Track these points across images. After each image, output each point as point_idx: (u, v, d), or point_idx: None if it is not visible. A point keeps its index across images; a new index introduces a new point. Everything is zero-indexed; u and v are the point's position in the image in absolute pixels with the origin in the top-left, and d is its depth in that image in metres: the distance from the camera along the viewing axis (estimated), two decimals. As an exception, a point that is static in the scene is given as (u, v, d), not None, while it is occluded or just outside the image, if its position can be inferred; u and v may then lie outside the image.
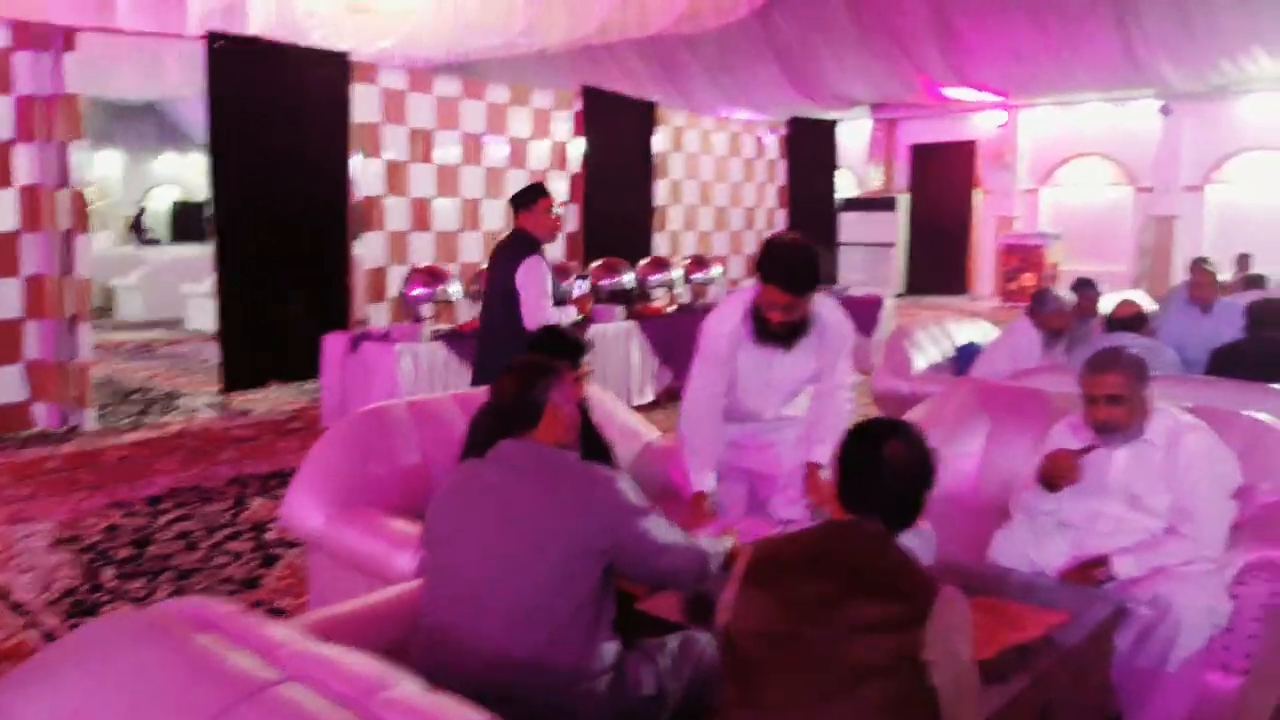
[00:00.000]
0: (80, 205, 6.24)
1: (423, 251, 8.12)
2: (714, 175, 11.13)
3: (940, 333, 5.71)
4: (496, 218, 8.67)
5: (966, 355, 5.45)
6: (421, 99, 8.06)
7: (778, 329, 2.92)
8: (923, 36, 13.63)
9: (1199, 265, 5.66)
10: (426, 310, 6.20)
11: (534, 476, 1.98)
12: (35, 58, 6.03)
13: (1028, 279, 14.39)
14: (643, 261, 8.30)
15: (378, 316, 7.67)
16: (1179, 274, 12.23)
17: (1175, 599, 2.43)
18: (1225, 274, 9.62)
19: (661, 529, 2.01)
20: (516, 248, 4.42)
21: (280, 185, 6.99)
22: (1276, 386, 3.57)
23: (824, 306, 3.04)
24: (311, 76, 7.23)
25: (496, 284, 4.47)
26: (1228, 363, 4.16)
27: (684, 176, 10.72)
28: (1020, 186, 15.54)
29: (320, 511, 2.91)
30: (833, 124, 12.72)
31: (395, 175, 7.93)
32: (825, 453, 2.82)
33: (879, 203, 16.85)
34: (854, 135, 17.28)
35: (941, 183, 16.53)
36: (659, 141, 10.10)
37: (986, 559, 2.79)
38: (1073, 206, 15.31)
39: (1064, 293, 5.22)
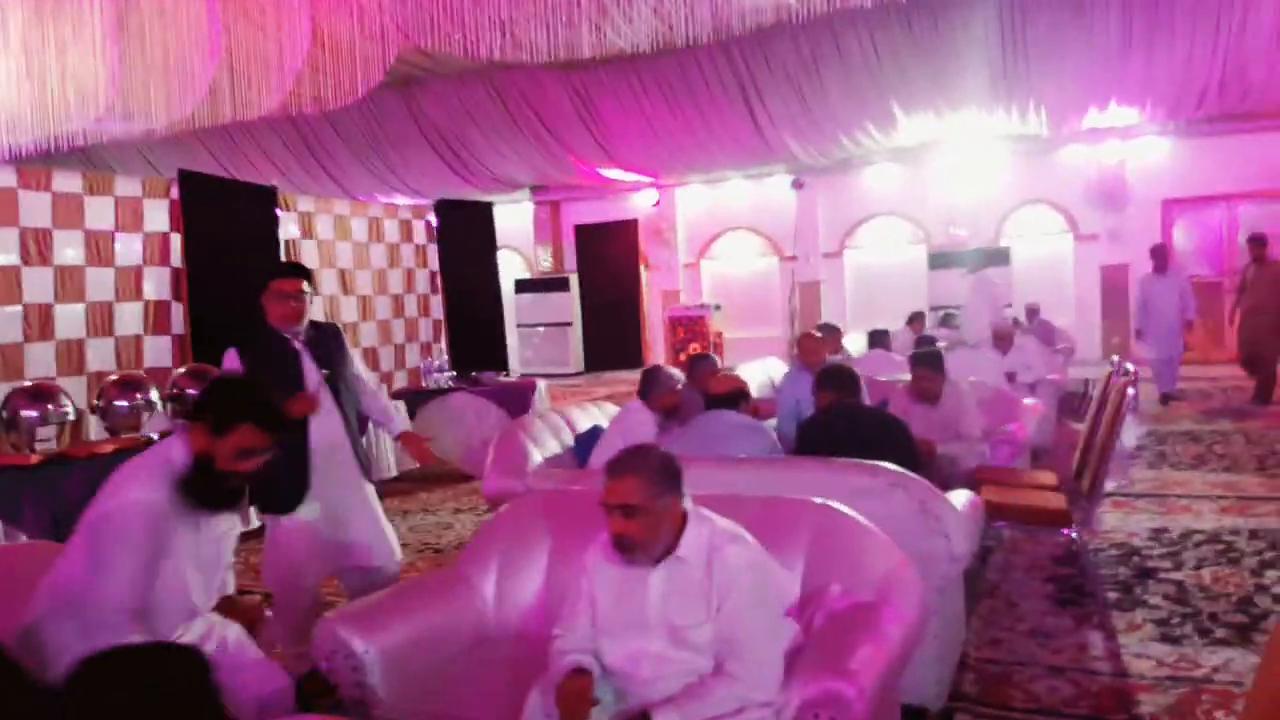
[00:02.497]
0: None
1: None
2: (353, 263, 10.33)
3: (561, 421, 5.24)
4: (73, 325, 7.37)
5: (586, 443, 5.02)
6: (-42, 189, 6.69)
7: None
8: (569, 119, 13.75)
9: (806, 334, 5.63)
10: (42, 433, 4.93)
11: None
12: None
13: (695, 348, 14.73)
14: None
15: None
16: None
17: (726, 759, 1.95)
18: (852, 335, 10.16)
19: None
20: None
21: None
22: (857, 461, 3.34)
23: None
24: None
25: None
26: (812, 436, 3.95)
27: (319, 265, 9.83)
28: (682, 261, 16.00)
29: None
30: (489, 205, 12.36)
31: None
32: None
33: (551, 283, 16.77)
34: (518, 216, 17.17)
35: (609, 260, 16.74)
36: (286, 229, 9.18)
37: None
38: (729, 277, 15.96)
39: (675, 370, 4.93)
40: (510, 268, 17.37)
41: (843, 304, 14.76)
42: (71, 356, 7.34)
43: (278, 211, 9.00)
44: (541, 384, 8.27)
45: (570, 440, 5.16)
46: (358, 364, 4.22)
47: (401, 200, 13.92)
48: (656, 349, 16.26)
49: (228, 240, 8.51)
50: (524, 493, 4.11)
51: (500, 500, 4.73)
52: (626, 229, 16.38)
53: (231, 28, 8.83)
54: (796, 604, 2.42)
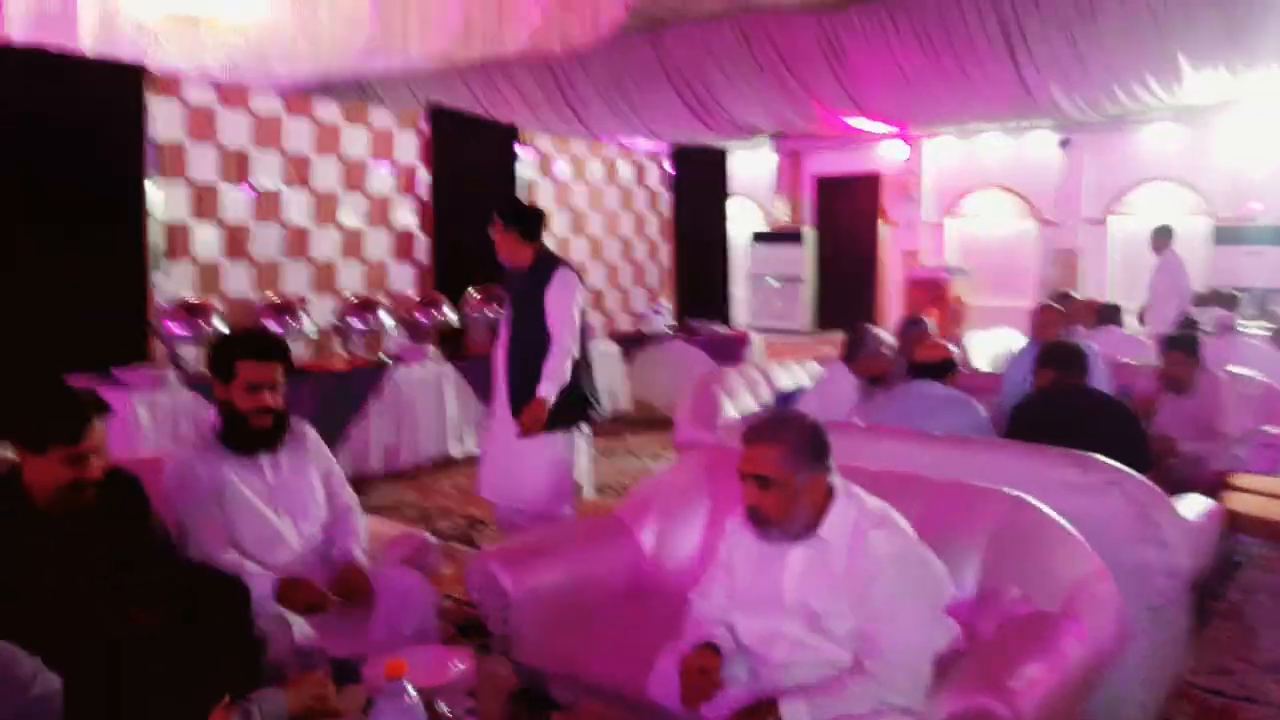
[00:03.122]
0: None
1: (239, 283, 7.33)
2: (588, 204, 10.49)
3: (761, 377, 5.06)
4: (328, 246, 7.94)
5: (785, 402, 4.81)
6: (234, 115, 7.30)
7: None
8: (816, 63, 13.23)
9: (1044, 305, 5.12)
10: (188, 352, 5.40)
11: None
12: None
13: (933, 314, 13.96)
14: (475, 295, 7.66)
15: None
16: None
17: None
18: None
19: None
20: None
21: (55, 211, 6.17)
22: (1068, 451, 2.95)
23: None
24: (97, 90, 6.44)
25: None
26: (1025, 419, 3.54)
27: (554, 205, 10.06)
28: (925, 219, 15.16)
29: None
30: (723, 153, 12.18)
31: (204, 199, 7.15)
32: None
33: (787, 236, 16.41)
34: (759, 166, 16.86)
35: (848, 215, 16.13)
36: (523, 167, 9.44)
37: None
38: (977, 239, 14.96)
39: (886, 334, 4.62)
40: (748, 218, 17.16)
41: (1104, 275, 13.47)
42: (322, 277, 7.92)
43: (518, 149, 9.28)
44: (757, 338, 8.08)
45: (768, 396, 4.97)
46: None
47: (642, 144, 13.96)
48: (892, 311, 15.57)
49: (470, 176, 8.86)
50: (712, 445, 3.98)
51: (689, 449, 4.66)
52: (868, 183, 15.68)
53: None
54: (966, 604, 2.15)
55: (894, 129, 14.42)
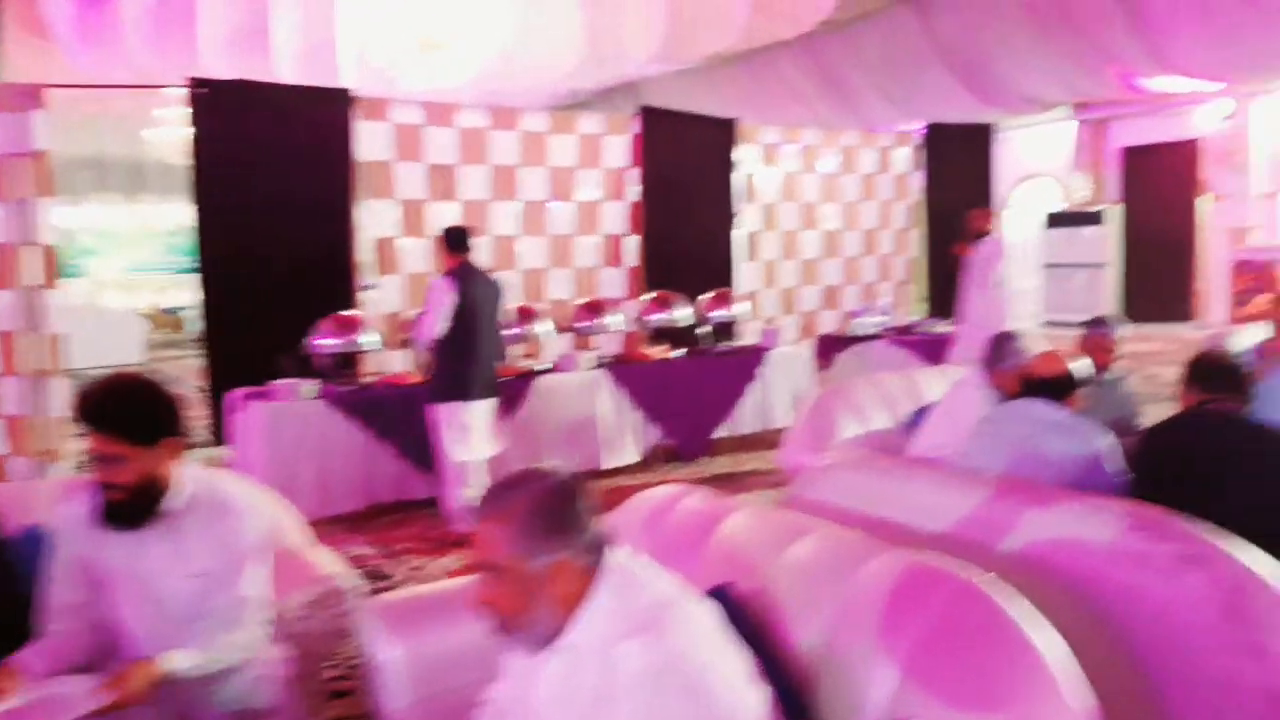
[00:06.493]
0: (50, 260, 6.26)
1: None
2: (820, 195, 9.86)
3: (905, 388, 4.36)
4: (536, 255, 8.05)
5: (919, 420, 4.09)
6: (440, 132, 7.59)
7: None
8: (1110, 18, 11.53)
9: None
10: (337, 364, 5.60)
11: None
12: (9, 118, 6.13)
13: (1263, 302, 11.72)
14: (705, 296, 7.38)
15: (391, 364, 7.22)
16: None
17: None
18: None
19: None
20: None
21: (274, 233, 6.74)
22: (1147, 508, 2.15)
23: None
24: (309, 116, 6.96)
25: None
26: (1150, 453, 2.66)
27: (780, 199, 9.56)
28: (1256, 191, 12.76)
29: None
30: (986, 128, 10.99)
31: (411, 215, 7.49)
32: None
33: (1085, 217, 14.58)
34: (1057, 140, 15.14)
35: (1161, 191, 13.99)
36: (746, 161, 9.05)
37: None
38: (1328, 211, 12.38)
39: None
40: (1045, 198, 15.48)
41: None
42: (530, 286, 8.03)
43: (737, 146, 8.89)
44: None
45: (909, 411, 4.27)
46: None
47: (913, 127, 12.98)
48: (1214, 298, 13.31)
49: (684, 175, 8.63)
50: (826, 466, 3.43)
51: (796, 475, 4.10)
52: (1185, 151, 13.46)
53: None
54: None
55: (1215, 85, 12.26)
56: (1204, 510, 2.28)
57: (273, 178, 6.73)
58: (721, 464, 6.40)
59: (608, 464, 6.04)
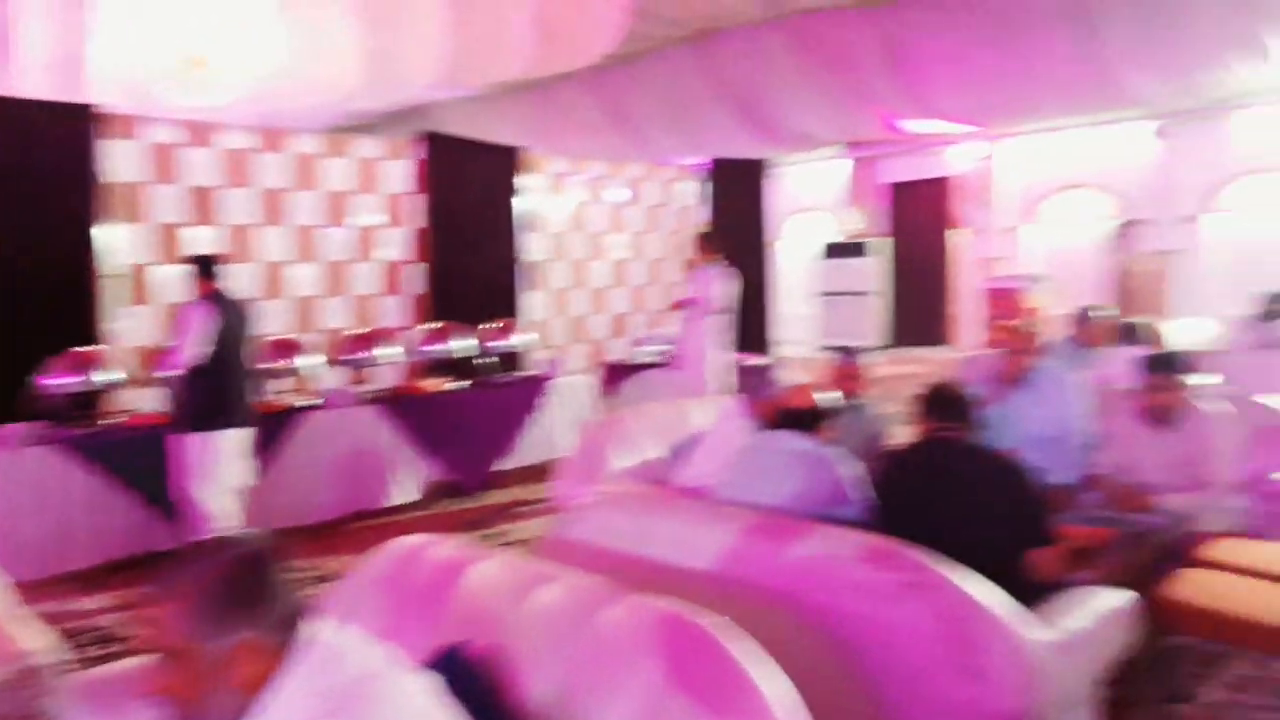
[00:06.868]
0: None
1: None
2: (608, 225, 9.97)
3: (675, 417, 4.40)
4: (309, 282, 7.67)
5: (682, 452, 4.14)
6: (200, 153, 7.11)
7: None
8: (875, 64, 12.34)
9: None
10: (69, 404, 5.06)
11: None
12: None
13: (998, 330, 12.78)
14: (488, 326, 7.21)
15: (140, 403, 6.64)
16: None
17: None
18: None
19: None
20: None
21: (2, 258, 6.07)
22: (876, 539, 2.22)
23: None
24: (46, 134, 6.33)
25: None
26: (892, 482, 2.78)
27: (569, 228, 9.58)
28: (1002, 224, 13.99)
29: None
30: (758, 164, 11.48)
31: (166, 240, 6.96)
32: None
33: (857, 248, 15.51)
34: (832, 176, 16.05)
35: (921, 224, 15.11)
36: (533, 191, 9.01)
37: None
38: (1062, 244, 13.70)
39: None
40: (822, 230, 16.34)
41: (1198, 280, 12.05)
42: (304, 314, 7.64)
43: (523, 174, 8.84)
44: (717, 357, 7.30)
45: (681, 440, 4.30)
46: None
47: (677, 160, 13.37)
48: (969, 324, 14.44)
49: (469, 203, 8.48)
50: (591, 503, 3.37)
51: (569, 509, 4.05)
52: (940, 188, 14.63)
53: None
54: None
55: (967, 128, 13.35)
56: (932, 533, 2.38)
57: (1, 198, 6.09)
58: (502, 496, 6.27)
59: (384, 502, 5.79)
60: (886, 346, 14.88)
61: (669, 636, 1.74)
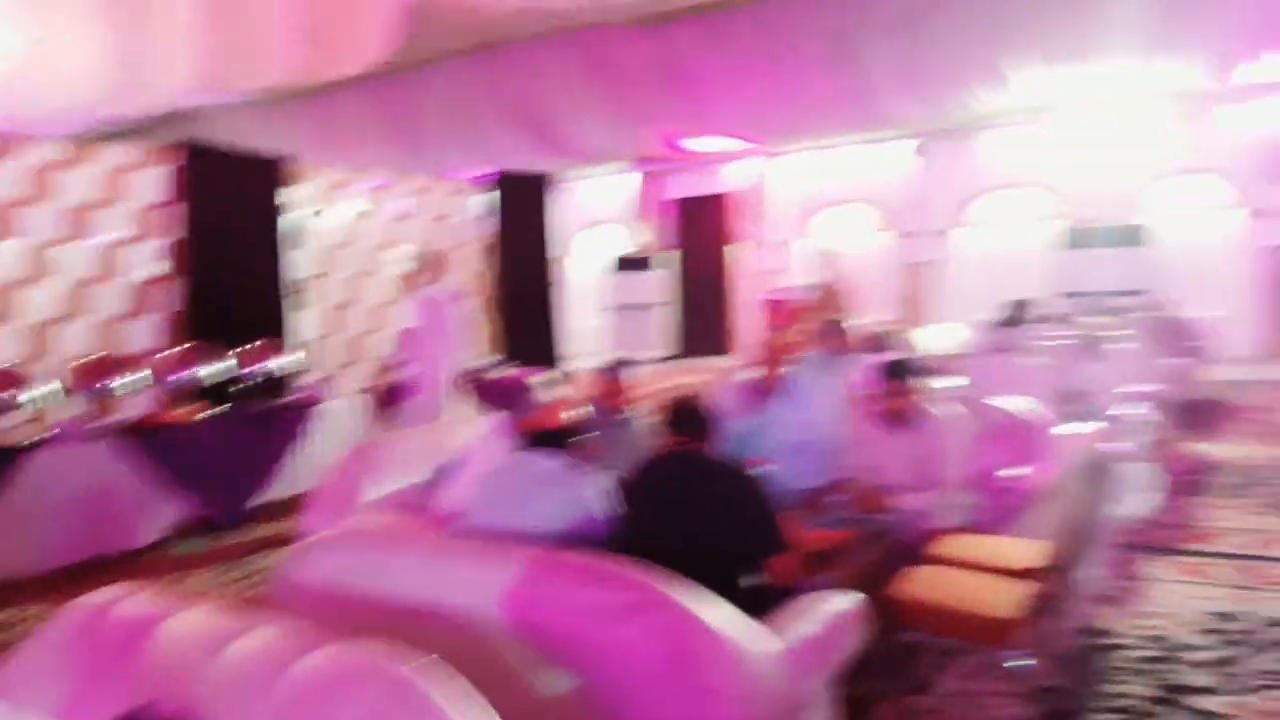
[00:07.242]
0: None
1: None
2: (388, 238, 9.65)
3: (434, 441, 4.26)
4: (45, 305, 6.97)
5: (444, 474, 4.01)
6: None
7: None
8: (650, 81, 12.60)
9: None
10: None
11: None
12: None
13: (757, 347, 13.35)
14: (248, 347, 6.74)
15: None
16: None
17: None
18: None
19: None
20: None
21: None
22: (601, 561, 2.20)
23: None
24: None
25: None
26: (637, 495, 2.81)
27: (342, 244, 9.21)
28: (778, 238, 14.63)
29: None
30: (540, 179, 11.49)
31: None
32: None
33: (646, 262, 15.81)
34: (622, 189, 16.28)
35: (704, 238, 15.60)
36: (303, 203, 8.59)
37: None
38: (836, 256, 14.47)
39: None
40: (614, 243, 16.54)
41: (953, 288, 13.03)
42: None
43: (290, 185, 8.41)
44: (538, 379, 7.25)
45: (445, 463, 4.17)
46: None
47: (461, 173, 13.20)
48: (747, 336, 15.00)
49: (231, 214, 7.98)
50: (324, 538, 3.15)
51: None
52: (721, 203, 15.16)
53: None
54: None
55: (744, 145, 13.87)
56: (671, 548, 2.39)
57: None
58: (261, 531, 5.89)
59: (128, 544, 5.31)
60: (675, 357, 15.22)
61: (367, 684, 1.63)
